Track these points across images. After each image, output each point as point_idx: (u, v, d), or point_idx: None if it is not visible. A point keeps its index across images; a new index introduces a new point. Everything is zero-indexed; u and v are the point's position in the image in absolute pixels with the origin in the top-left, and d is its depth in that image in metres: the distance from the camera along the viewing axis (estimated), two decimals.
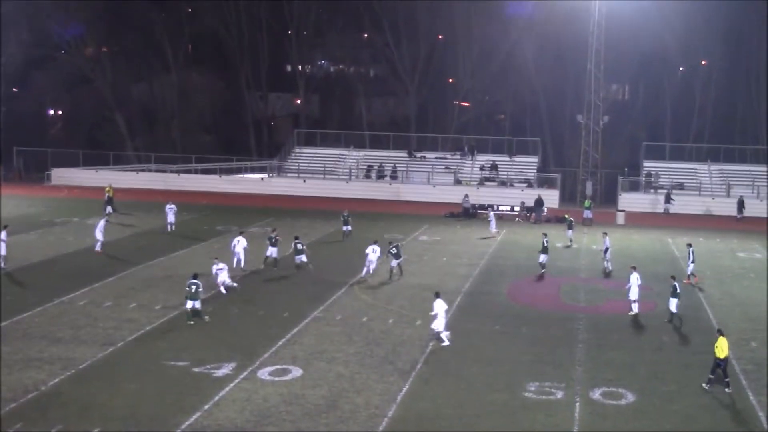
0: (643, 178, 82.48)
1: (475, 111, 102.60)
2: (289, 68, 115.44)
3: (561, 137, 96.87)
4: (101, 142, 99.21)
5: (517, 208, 70.57)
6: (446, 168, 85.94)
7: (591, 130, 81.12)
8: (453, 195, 76.11)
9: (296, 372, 28.54)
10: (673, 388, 28.05)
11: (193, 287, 34.54)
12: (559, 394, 27.23)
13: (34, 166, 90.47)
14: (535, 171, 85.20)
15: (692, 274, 44.74)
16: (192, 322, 34.07)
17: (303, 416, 24.77)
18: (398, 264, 44.27)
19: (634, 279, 37.77)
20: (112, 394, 26.02)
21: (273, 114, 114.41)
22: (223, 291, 38.92)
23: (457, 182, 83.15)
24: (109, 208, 61.58)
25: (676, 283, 36.48)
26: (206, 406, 25.26)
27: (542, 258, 46.75)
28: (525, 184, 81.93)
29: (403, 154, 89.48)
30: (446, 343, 32.14)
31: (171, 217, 57.09)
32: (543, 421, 25.07)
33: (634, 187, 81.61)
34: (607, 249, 48.24)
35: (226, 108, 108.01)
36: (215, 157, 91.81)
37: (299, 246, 45.59)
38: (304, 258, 45.34)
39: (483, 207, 70.80)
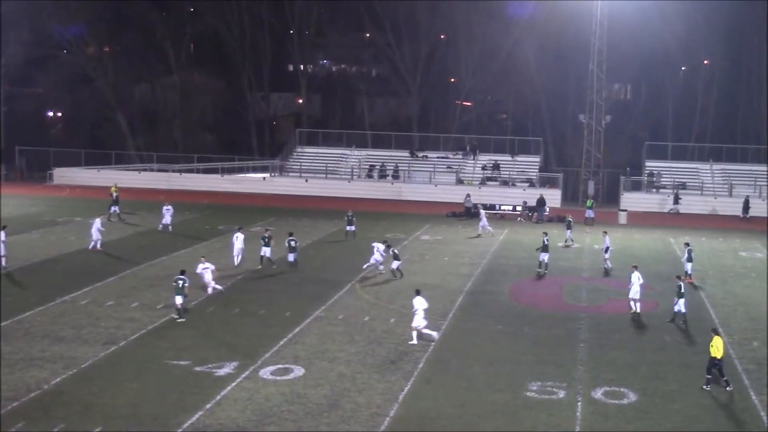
0: (645, 178, 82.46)
1: (477, 110, 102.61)
2: (290, 68, 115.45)
3: (563, 137, 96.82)
4: (103, 141, 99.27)
5: (519, 208, 70.55)
6: (448, 168, 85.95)
7: (593, 130, 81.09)
8: (455, 195, 76.10)
9: (298, 371, 28.54)
10: (674, 388, 28.04)
11: (180, 282, 34.65)
12: (561, 394, 27.22)
13: (36, 165, 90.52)
14: (537, 171, 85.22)
15: (688, 273, 44.64)
16: (183, 319, 34.17)
17: (305, 416, 24.77)
18: (398, 267, 44.34)
19: (636, 278, 37.78)
20: (113, 394, 26.03)
21: (275, 114, 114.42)
22: (209, 291, 38.64)
23: (459, 182, 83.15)
24: (115, 208, 61.59)
25: (681, 283, 36.48)
26: (208, 406, 25.26)
27: (542, 256, 46.79)
28: (527, 184, 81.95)
29: (405, 153, 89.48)
30: (414, 342, 32.04)
31: (168, 219, 57.04)
32: (545, 420, 25.05)
33: (636, 187, 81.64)
34: (607, 248, 48.23)
35: (228, 108, 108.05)
36: (217, 157, 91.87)
37: (293, 243, 45.64)
38: (292, 257, 45.36)
39: (485, 206, 70.85)
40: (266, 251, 45.23)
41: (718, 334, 28.48)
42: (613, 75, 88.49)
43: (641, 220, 69.60)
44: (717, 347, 27.77)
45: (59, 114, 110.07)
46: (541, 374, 28.97)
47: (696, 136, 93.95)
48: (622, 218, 69.01)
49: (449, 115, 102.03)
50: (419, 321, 32.40)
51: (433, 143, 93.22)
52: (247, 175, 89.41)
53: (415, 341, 32.12)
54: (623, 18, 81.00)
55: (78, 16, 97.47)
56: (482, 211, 61.43)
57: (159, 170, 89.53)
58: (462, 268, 47.41)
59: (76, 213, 63.04)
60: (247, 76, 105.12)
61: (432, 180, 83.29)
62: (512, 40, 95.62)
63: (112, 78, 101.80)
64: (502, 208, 71.67)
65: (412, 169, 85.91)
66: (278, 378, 27.87)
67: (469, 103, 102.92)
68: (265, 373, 28.31)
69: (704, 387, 27.89)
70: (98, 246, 49.18)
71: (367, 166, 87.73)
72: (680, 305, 35.88)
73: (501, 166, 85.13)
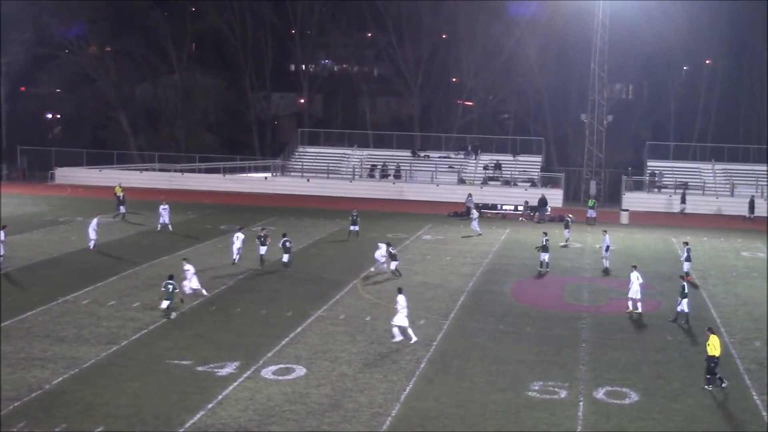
0: (647, 178, 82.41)
1: (479, 110, 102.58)
2: (292, 68, 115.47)
3: (565, 137, 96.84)
4: (105, 141, 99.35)
5: (520, 208, 70.52)
6: (450, 167, 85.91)
7: (595, 130, 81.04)
8: (457, 194, 76.04)
9: (300, 371, 28.54)
10: (676, 388, 28.02)
11: (170, 287, 34.75)
12: (563, 394, 27.21)
13: (38, 165, 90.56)
14: (538, 170, 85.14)
15: (686, 272, 44.58)
16: (173, 316, 34.28)
17: (307, 415, 24.77)
18: (396, 267, 44.41)
19: (635, 278, 37.79)
20: (115, 393, 26.03)
21: (276, 113, 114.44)
22: (187, 291, 37.96)
23: (461, 182, 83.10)
24: (122, 208, 61.68)
25: (684, 283, 36.48)
26: (210, 405, 25.26)
27: (543, 256, 46.83)
28: (529, 184, 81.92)
29: (407, 153, 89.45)
30: (396, 339, 32.16)
31: (165, 218, 57.07)
32: (546, 420, 25.04)
33: (638, 187, 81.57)
34: (607, 247, 48.21)
35: (230, 107, 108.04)
36: (219, 157, 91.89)
37: (287, 244, 45.66)
38: (286, 258, 45.42)
39: (487, 206, 70.95)
40: (262, 250, 45.20)
41: (714, 332, 28.50)
42: (615, 75, 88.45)
43: (643, 219, 69.57)
44: (714, 346, 27.81)
45: (58, 116, 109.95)
46: (542, 374, 28.97)
47: (698, 136, 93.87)
48: (624, 218, 68.97)
49: (451, 115, 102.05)
50: (401, 320, 32.44)
51: (435, 143, 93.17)
52: (249, 174, 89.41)
53: (397, 338, 32.23)
54: (625, 17, 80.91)
55: (80, 15, 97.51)
56: (473, 212, 61.30)
57: (161, 170, 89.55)
58: (464, 267, 47.39)
59: (77, 213, 63.02)
60: (248, 75, 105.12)
61: (434, 180, 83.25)
62: (514, 39, 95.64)
63: (114, 78, 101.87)
64: (504, 207, 71.63)
65: (414, 168, 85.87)
66: (280, 378, 27.87)
67: (470, 103, 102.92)
68: (267, 372, 28.31)
69: (706, 387, 27.87)
70: (91, 246, 49.19)
71: (369, 166, 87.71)
72: (683, 305, 35.86)
73: (503, 165, 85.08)
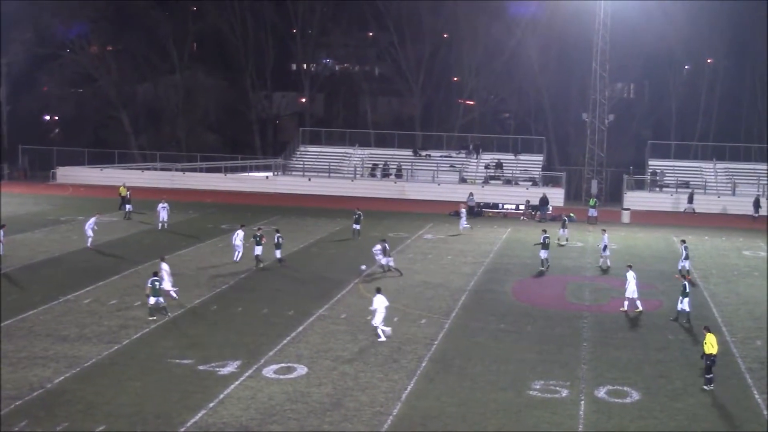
0: (649, 177, 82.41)
1: (480, 109, 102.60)
2: (293, 67, 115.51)
3: (566, 136, 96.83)
4: (106, 140, 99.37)
5: (522, 207, 70.54)
6: (451, 166, 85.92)
7: (596, 129, 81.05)
8: (458, 193, 75.99)
9: (301, 370, 28.55)
10: (678, 387, 28.01)
11: (156, 284, 34.66)
12: (564, 393, 27.21)
13: (39, 164, 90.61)
14: (540, 169, 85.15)
15: (687, 270, 44.53)
16: (155, 317, 34.12)
17: (308, 414, 24.78)
18: (388, 263, 44.60)
19: (631, 277, 37.78)
20: (116, 392, 26.04)
21: (278, 113, 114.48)
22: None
23: (462, 181, 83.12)
24: (129, 207, 61.78)
25: (686, 282, 36.49)
26: (211, 404, 25.27)
27: (543, 254, 46.89)
28: (530, 183, 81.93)
29: (408, 152, 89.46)
30: (382, 338, 32.19)
31: (164, 215, 57.20)
32: (548, 419, 25.03)
33: (640, 186, 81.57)
34: (605, 246, 48.20)
35: (231, 107, 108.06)
36: (220, 156, 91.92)
37: (280, 240, 45.76)
38: (278, 254, 45.53)
39: (488, 205, 71.03)
40: (258, 250, 45.20)
41: (711, 331, 28.50)
42: (616, 74, 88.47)
43: (644, 219, 69.54)
44: (711, 344, 27.83)
45: (56, 117, 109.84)
46: (544, 373, 28.96)
47: (699, 135, 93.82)
48: (626, 217, 68.97)
49: (452, 114, 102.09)
50: (379, 319, 32.50)
51: (436, 142, 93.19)
52: (250, 174, 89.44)
53: (383, 338, 32.30)
54: (626, 17, 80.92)
55: (81, 15, 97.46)
56: (462, 210, 61.19)
57: (162, 169, 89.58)
58: (465, 266, 47.39)
59: (79, 212, 63.01)
60: (250, 75, 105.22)
61: (435, 179, 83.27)
62: (515, 39, 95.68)
63: (116, 77, 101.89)
64: (505, 207, 71.66)
65: (415, 168, 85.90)
66: (281, 377, 27.88)
67: (472, 102, 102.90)
68: (268, 371, 28.32)
69: (705, 387, 27.83)
70: (89, 244, 49.26)
71: (370, 165, 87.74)
72: (684, 304, 35.86)
73: (504, 165, 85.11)
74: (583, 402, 26.44)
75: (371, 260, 45.06)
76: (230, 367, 28.57)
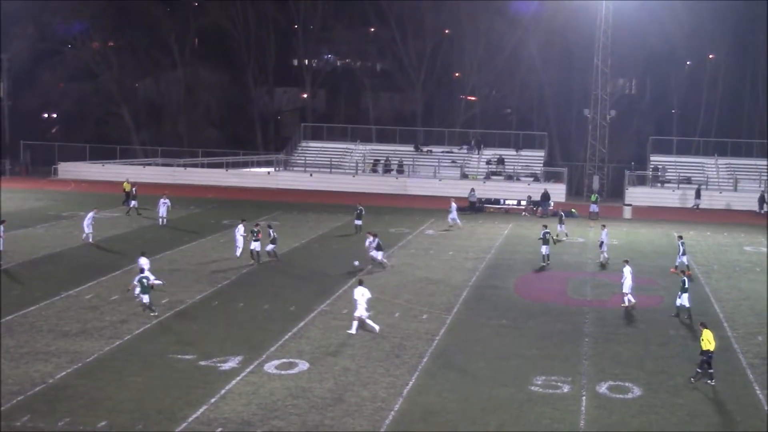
0: (650, 173, 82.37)
1: (482, 105, 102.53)
2: (295, 63, 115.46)
3: (568, 131, 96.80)
4: (108, 136, 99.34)
5: (523, 203, 70.53)
6: (453, 162, 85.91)
7: (598, 125, 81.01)
8: (459, 189, 75.99)
9: (303, 366, 28.56)
10: (679, 383, 28.00)
11: (145, 281, 34.63)
12: (566, 389, 27.21)
13: (41, 160, 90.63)
14: (541, 165, 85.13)
15: (686, 265, 44.50)
16: (156, 313, 34.09)
17: (309, 410, 24.79)
18: (381, 257, 44.72)
19: (627, 272, 37.75)
20: (118, 388, 26.06)
21: (279, 108, 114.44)
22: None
23: (464, 176, 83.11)
24: (133, 202, 61.85)
25: (685, 278, 36.47)
26: (213, 400, 25.29)
27: (544, 249, 46.93)
28: (531, 179, 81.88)
29: (410, 148, 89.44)
30: (352, 331, 32.33)
31: (163, 211, 57.24)
32: (549, 415, 25.04)
33: (641, 182, 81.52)
34: (601, 242, 48.17)
35: (233, 102, 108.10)
36: (222, 151, 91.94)
37: (272, 233, 45.85)
38: (269, 248, 45.52)
39: (490, 201, 71.05)
40: (255, 245, 45.17)
41: (707, 327, 28.50)
42: (618, 70, 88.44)
43: (646, 214, 69.49)
44: (708, 340, 27.83)
45: (56, 114, 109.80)
46: (545, 369, 28.97)
47: (701, 131, 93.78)
48: (627, 213, 68.95)
49: (454, 110, 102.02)
50: (361, 311, 32.56)
51: (438, 138, 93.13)
52: (252, 169, 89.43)
53: (354, 331, 32.39)
54: (628, 13, 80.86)
55: (82, 11, 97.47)
56: (453, 204, 61.06)
57: (164, 165, 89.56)
58: (466, 262, 47.40)
59: (80, 207, 62.95)
60: (251, 70, 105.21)
61: (436, 174, 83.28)
62: (517, 35, 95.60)
63: (117, 73, 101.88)
64: (507, 202, 71.67)
65: (417, 163, 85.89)
66: (283, 372, 27.90)
67: (473, 98, 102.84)
68: (270, 367, 28.34)
69: (708, 381, 27.86)
70: (89, 239, 49.26)
71: (372, 161, 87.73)
72: (684, 299, 35.86)
73: (505, 160, 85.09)
74: (584, 398, 26.45)
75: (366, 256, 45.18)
76: (232, 363, 28.58)
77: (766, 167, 79.69)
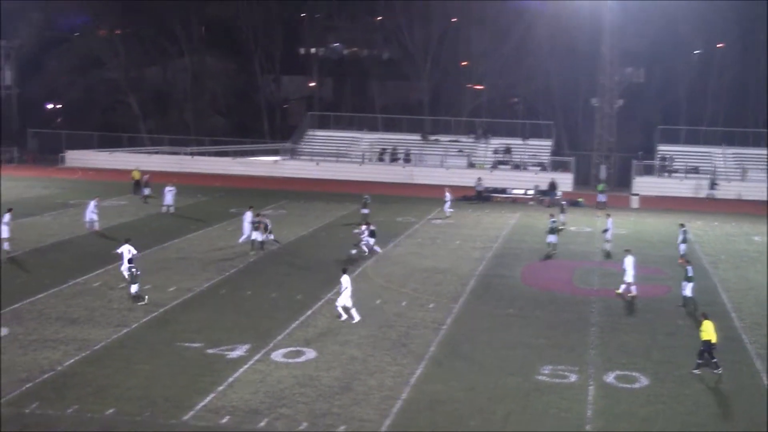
0: (658, 162, 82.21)
1: (489, 94, 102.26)
2: (302, 51, 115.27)
3: (575, 121, 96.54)
4: (115, 124, 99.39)
5: (530, 192, 70.46)
6: (459, 151, 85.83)
7: (605, 114, 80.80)
8: (466, 178, 75.96)
9: (310, 354, 28.61)
10: (686, 372, 27.96)
11: (133, 270, 34.74)
12: (573, 378, 27.22)
13: (49, 148, 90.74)
14: (548, 154, 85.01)
15: (681, 254, 44.49)
16: (144, 302, 34.03)
17: (317, 398, 24.84)
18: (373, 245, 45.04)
19: (629, 262, 37.71)
20: (126, 376, 26.14)
21: (286, 97, 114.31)
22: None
23: (471, 165, 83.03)
24: (146, 190, 61.94)
25: (689, 267, 36.42)
26: (220, 388, 25.34)
27: (550, 238, 46.92)
28: (539, 168, 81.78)
29: (417, 137, 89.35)
30: (343, 317, 32.48)
31: (169, 199, 57.29)
32: (556, 404, 25.05)
33: (649, 171, 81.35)
34: (606, 230, 48.17)
35: (239, 91, 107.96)
36: (229, 140, 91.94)
37: (267, 224, 45.90)
38: (260, 236, 45.47)
39: (497, 190, 71.01)
40: (257, 235, 45.12)
41: (708, 318, 28.46)
42: (626, 59, 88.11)
43: (653, 204, 69.38)
44: (708, 331, 27.78)
45: (62, 103, 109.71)
46: (552, 358, 28.98)
47: (708, 120, 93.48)
48: (635, 202, 68.87)
49: (460, 99, 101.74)
50: (345, 300, 32.63)
51: (445, 127, 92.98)
52: (259, 158, 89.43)
53: (344, 317, 32.54)
54: (635, 1, 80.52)
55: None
56: (447, 194, 60.96)
57: (171, 153, 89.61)
58: (473, 251, 47.39)
59: (88, 195, 62.67)
60: (258, 59, 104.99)
61: (443, 164, 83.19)
62: (524, 23, 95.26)
63: (124, 61, 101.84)
64: (514, 192, 71.62)
65: (424, 152, 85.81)
66: (290, 360, 27.95)
67: (480, 87, 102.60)
68: (277, 355, 28.39)
69: (714, 371, 27.81)
70: (95, 227, 49.31)
71: (379, 150, 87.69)
72: (688, 289, 35.84)
73: (512, 149, 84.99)
74: (591, 387, 26.46)
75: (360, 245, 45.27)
76: (239, 351, 28.64)
77: None
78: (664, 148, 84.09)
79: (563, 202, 58.29)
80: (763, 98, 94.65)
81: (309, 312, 33.65)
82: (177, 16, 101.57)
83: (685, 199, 74.03)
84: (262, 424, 23.08)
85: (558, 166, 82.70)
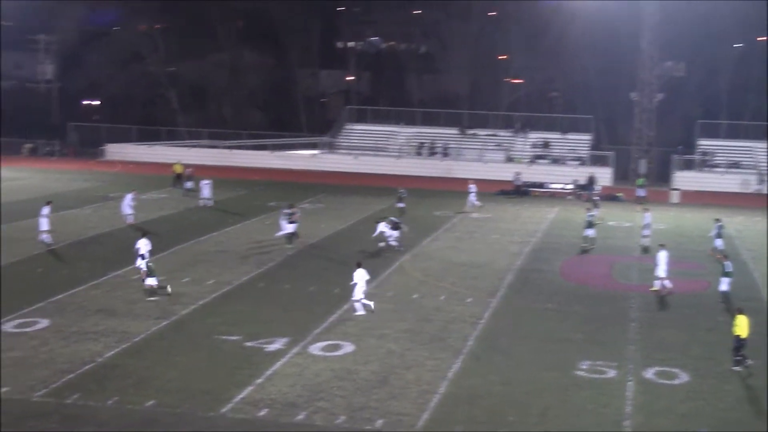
0: (698, 157, 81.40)
1: (527, 88, 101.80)
2: (339, 45, 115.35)
3: (614, 115, 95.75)
4: (154, 118, 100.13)
5: (569, 187, 70.08)
6: (498, 145, 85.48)
7: (645, 108, 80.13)
8: (504, 172, 75.64)
9: (348, 348, 28.67)
10: (727, 369, 27.68)
11: (151, 265, 34.79)
12: (611, 373, 27.05)
13: (89, 141, 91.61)
14: (587, 149, 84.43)
15: (716, 249, 44.02)
16: (156, 298, 33.98)
17: (354, 391, 24.88)
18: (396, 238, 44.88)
19: (662, 257, 37.36)
20: (165, 368, 26.35)
21: (324, 91, 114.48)
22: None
23: (509, 160, 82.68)
24: (189, 184, 62.36)
25: (727, 262, 36.07)
26: (258, 381, 25.47)
27: (587, 232, 46.74)
28: (578, 162, 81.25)
29: (455, 131, 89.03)
30: (361, 312, 32.38)
31: (206, 192, 57.60)
32: (595, 399, 24.91)
33: (689, 166, 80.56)
34: (646, 225, 47.83)
35: (277, 85, 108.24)
36: (267, 134, 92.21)
37: (294, 215, 45.97)
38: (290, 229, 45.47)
39: (535, 185, 70.67)
40: (291, 228, 45.14)
41: (743, 312, 28.15)
42: (665, 53, 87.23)
43: (694, 199, 68.67)
44: (741, 326, 27.50)
45: (101, 99, 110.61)
46: (590, 353, 28.82)
47: (751, 114, 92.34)
48: (675, 197, 68.23)
49: (498, 93, 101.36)
50: (359, 293, 32.58)
51: (483, 121, 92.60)
52: (297, 152, 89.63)
53: (362, 312, 32.49)
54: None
55: None
56: (471, 186, 60.66)
57: (209, 147, 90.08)
58: (511, 246, 47.22)
59: (127, 189, 63.13)
60: (296, 53, 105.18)
61: (481, 158, 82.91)
62: (563, 16, 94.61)
63: (163, 55, 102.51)
64: (552, 186, 71.24)
65: (462, 146, 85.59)
66: (328, 354, 28.02)
67: (519, 81, 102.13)
68: (315, 349, 28.48)
69: (735, 368, 27.51)
70: (130, 220, 49.63)
71: (416, 144, 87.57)
72: (725, 285, 35.49)
73: (551, 144, 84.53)
74: (630, 383, 26.28)
75: (404, 238, 45.19)
76: (277, 344, 28.75)
77: None
78: (704, 143, 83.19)
79: (596, 197, 57.90)
80: None
81: (346, 305, 33.65)
82: (215, 12, 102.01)
83: (726, 194, 73.18)
84: (300, 417, 23.17)
85: (597, 161, 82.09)
